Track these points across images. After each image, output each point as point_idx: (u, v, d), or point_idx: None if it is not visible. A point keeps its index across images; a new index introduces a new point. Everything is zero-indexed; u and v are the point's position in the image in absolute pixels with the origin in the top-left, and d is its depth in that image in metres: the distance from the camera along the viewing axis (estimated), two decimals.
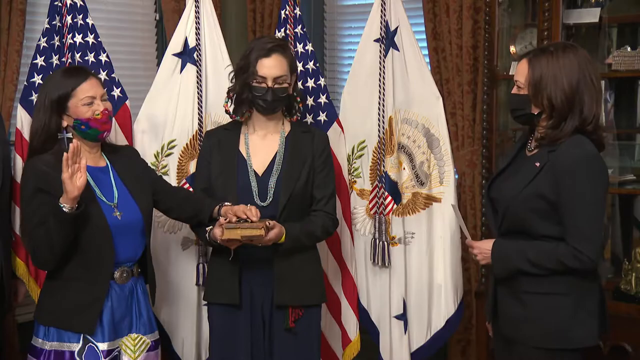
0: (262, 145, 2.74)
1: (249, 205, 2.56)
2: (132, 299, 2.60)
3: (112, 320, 2.53)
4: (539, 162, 2.39)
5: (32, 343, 2.55)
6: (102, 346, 2.51)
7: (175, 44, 3.23)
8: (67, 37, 3.11)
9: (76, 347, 2.49)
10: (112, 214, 2.52)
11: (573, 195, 2.30)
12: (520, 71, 2.44)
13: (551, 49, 2.41)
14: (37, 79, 3.12)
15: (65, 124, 2.52)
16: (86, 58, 3.13)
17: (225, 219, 2.57)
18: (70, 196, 2.31)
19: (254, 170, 2.70)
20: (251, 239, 2.52)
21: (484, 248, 2.49)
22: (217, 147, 2.75)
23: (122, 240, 2.53)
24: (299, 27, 3.20)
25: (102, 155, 2.63)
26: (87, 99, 2.52)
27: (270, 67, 2.65)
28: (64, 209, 2.32)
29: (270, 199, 2.67)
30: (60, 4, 3.12)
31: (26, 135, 3.06)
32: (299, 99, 2.82)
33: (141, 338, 2.61)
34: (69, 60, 3.13)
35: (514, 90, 2.48)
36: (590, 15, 3.21)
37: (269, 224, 2.54)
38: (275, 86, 2.66)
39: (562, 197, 2.32)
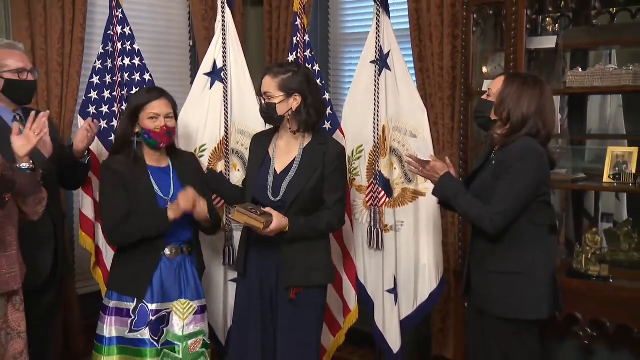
0: (285, 151, 2.75)
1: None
2: (180, 271, 2.73)
3: (161, 286, 2.69)
4: (495, 160, 2.51)
5: (102, 302, 2.77)
6: (152, 306, 2.68)
7: (205, 65, 3.28)
8: (117, 60, 3.20)
9: (131, 305, 2.68)
10: (166, 206, 2.67)
11: (507, 174, 2.39)
12: (495, 83, 2.52)
13: (525, 77, 2.49)
14: (93, 95, 3.19)
15: (136, 130, 2.70)
16: (133, 77, 3.23)
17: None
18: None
19: (274, 169, 2.73)
20: (251, 228, 2.57)
21: (437, 169, 2.58)
22: (254, 148, 2.83)
23: (172, 226, 2.67)
24: (308, 51, 3.24)
25: (166, 157, 2.79)
26: (152, 114, 2.69)
27: (262, 84, 2.70)
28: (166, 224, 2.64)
29: (281, 197, 2.68)
30: (112, 33, 3.20)
31: None
32: (306, 117, 2.68)
33: (189, 303, 2.74)
34: (119, 79, 3.19)
35: (484, 97, 2.57)
36: (548, 42, 3.27)
37: (269, 219, 2.55)
38: (266, 100, 2.68)
39: (500, 174, 2.42)
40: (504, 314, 2.45)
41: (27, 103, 2.83)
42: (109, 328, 2.70)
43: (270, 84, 2.67)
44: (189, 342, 2.73)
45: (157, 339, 2.69)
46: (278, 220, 2.58)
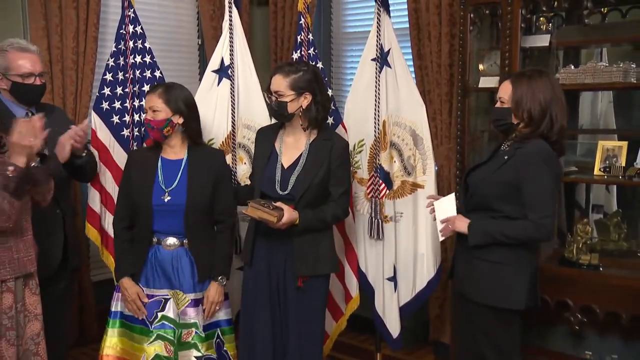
0: (292, 146, 2.74)
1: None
2: (174, 263, 2.71)
3: (154, 273, 2.72)
4: (507, 155, 2.47)
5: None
6: (146, 290, 2.74)
7: (213, 63, 3.29)
8: (129, 57, 3.24)
9: None
10: (161, 196, 2.67)
11: (532, 180, 2.37)
12: (504, 90, 2.48)
13: (529, 73, 2.47)
14: (106, 91, 3.22)
15: None
16: (144, 74, 3.26)
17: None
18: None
19: (282, 164, 2.72)
20: (265, 222, 2.58)
21: (459, 222, 2.50)
22: (261, 142, 2.82)
23: (165, 217, 2.68)
24: (312, 49, 3.25)
25: (183, 150, 2.75)
26: (146, 108, 2.73)
27: (272, 83, 2.69)
28: None
29: (288, 191, 2.67)
30: (124, 32, 3.24)
31: (99, 134, 3.20)
32: (315, 114, 2.68)
33: (183, 294, 2.72)
34: (131, 76, 3.22)
35: (498, 105, 2.50)
36: (542, 40, 3.29)
37: (281, 213, 2.57)
38: (276, 99, 2.66)
39: (524, 182, 2.38)
40: (484, 301, 2.47)
41: (34, 104, 2.83)
42: (116, 303, 2.81)
43: (281, 83, 2.66)
44: (183, 331, 2.72)
45: (150, 320, 2.72)
46: (289, 214, 2.60)
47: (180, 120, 2.71)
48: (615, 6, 3.21)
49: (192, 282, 2.73)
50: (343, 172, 2.76)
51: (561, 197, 3.46)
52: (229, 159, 3.27)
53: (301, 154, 2.72)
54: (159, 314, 2.72)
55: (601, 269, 3.07)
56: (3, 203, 2.22)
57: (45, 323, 2.50)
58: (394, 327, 3.31)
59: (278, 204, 2.61)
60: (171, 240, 2.71)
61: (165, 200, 2.68)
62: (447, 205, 2.61)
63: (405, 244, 3.29)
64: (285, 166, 2.72)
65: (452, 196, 2.66)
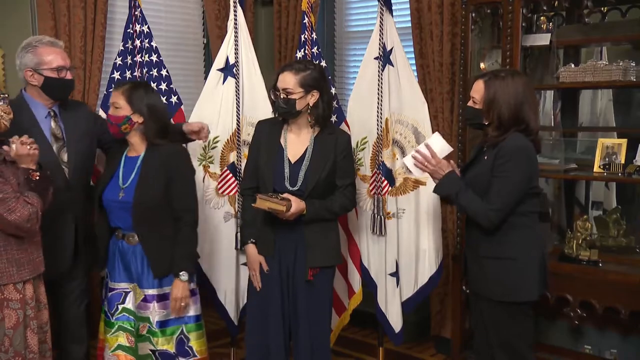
0: (297, 141, 2.75)
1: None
2: (131, 258, 2.68)
3: (117, 267, 2.71)
4: (486, 156, 2.50)
5: None
6: (110, 284, 2.74)
7: (218, 61, 3.27)
8: (137, 56, 3.22)
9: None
10: (118, 193, 2.65)
11: (500, 172, 2.39)
12: (476, 89, 2.48)
13: (502, 74, 2.45)
14: None
15: None
16: (151, 73, 3.26)
17: None
18: None
19: (288, 159, 2.73)
20: (275, 212, 2.60)
21: (442, 167, 2.53)
22: (264, 137, 2.80)
23: (120, 213, 2.66)
24: (315, 48, 3.23)
25: (142, 147, 2.68)
26: (110, 103, 2.71)
27: (279, 80, 2.68)
28: None
29: (298, 186, 2.68)
30: (131, 31, 3.23)
31: None
32: (322, 112, 2.71)
33: (139, 289, 2.69)
34: (139, 75, 3.21)
35: (470, 104, 2.52)
36: (543, 39, 3.31)
37: (289, 203, 2.58)
38: (285, 96, 2.66)
39: (493, 172, 2.41)
40: (497, 297, 2.47)
41: (64, 99, 2.82)
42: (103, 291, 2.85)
43: (290, 80, 2.67)
44: (140, 323, 2.71)
45: (112, 312, 2.72)
46: (297, 204, 2.62)
47: (140, 120, 2.64)
48: (615, 5, 3.23)
49: (149, 277, 2.69)
50: (348, 164, 2.78)
51: (561, 195, 3.48)
52: (234, 156, 3.26)
53: (307, 149, 2.73)
54: (120, 307, 2.71)
55: (600, 264, 3.08)
56: (36, 205, 2.30)
57: (67, 324, 2.60)
58: (396, 321, 3.30)
59: (285, 195, 2.63)
60: (130, 236, 2.69)
61: (119, 197, 2.66)
62: (440, 148, 2.61)
63: (407, 240, 3.28)
64: (292, 161, 2.73)
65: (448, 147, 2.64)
